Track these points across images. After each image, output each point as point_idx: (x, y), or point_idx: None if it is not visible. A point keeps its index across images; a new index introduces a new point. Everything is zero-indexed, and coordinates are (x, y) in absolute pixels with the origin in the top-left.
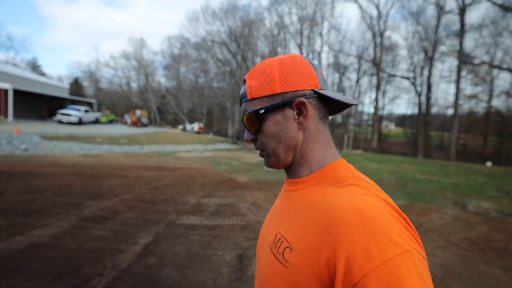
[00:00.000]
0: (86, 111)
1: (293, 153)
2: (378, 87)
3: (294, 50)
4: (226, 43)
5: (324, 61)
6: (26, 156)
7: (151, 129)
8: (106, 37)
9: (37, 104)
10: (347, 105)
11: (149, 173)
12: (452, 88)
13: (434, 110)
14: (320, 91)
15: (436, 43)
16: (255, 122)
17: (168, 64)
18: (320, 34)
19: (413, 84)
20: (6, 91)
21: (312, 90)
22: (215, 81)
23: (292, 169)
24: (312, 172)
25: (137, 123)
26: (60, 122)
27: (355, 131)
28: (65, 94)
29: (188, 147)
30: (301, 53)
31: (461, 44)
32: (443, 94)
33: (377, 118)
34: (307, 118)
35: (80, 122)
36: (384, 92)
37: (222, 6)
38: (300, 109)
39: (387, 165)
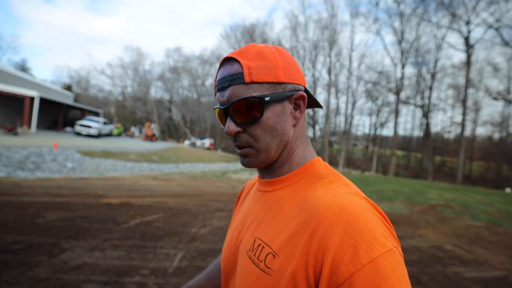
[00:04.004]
0: (104, 123)
1: (282, 150)
2: (396, 114)
3: (306, 71)
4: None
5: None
6: (90, 178)
7: (163, 144)
8: (90, 43)
9: (54, 114)
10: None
11: None
12: (440, 115)
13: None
14: (307, 89)
15: (434, 74)
16: (254, 111)
17: (163, 75)
18: (329, 56)
19: (422, 109)
20: (32, 99)
21: (304, 86)
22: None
23: (272, 168)
24: (292, 170)
25: (152, 137)
26: (78, 134)
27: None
28: (71, 102)
29: (218, 165)
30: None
31: (467, 75)
32: (434, 121)
33: (396, 142)
34: (302, 113)
35: (99, 135)
36: (377, 117)
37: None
38: (298, 104)
39: (457, 194)
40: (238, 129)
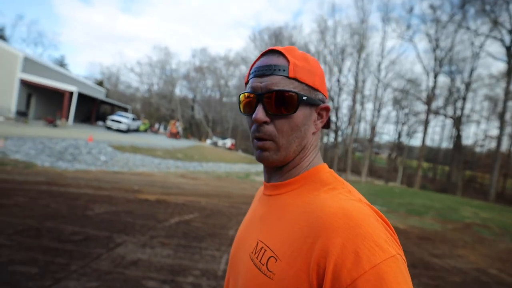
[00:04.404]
0: (133, 119)
1: (298, 153)
2: (426, 124)
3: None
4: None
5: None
6: (123, 172)
7: (186, 142)
8: (121, 42)
9: (88, 108)
10: None
11: None
12: (473, 128)
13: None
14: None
15: (469, 84)
16: (289, 105)
17: (188, 74)
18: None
19: (453, 120)
20: (71, 93)
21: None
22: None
23: (281, 170)
24: (297, 175)
25: (176, 134)
26: (109, 128)
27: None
28: (103, 97)
29: (240, 166)
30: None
31: (507, 86)
32: (465, 133)
33: (423, 154)
34: (322, 123)
35: (127, 130)
36: (403, 126)
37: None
38: (321, 114)
39: (493, 213)
40: (267, 119)
